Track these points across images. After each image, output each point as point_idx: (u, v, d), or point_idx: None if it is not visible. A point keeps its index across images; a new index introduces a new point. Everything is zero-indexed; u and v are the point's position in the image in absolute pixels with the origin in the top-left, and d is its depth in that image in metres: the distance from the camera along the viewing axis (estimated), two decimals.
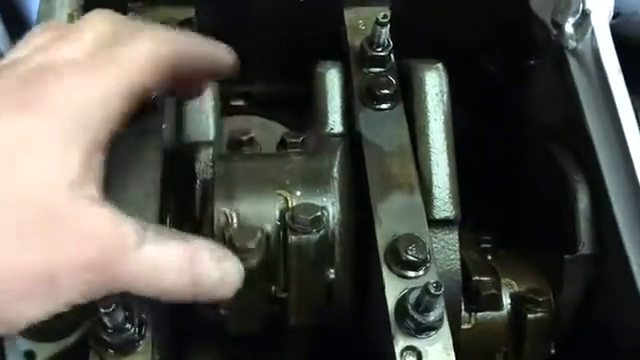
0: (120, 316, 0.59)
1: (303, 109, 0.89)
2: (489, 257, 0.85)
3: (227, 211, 0.68)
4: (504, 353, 0.81)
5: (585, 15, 0.78)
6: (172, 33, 0.64)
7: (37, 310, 0.52)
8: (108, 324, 0.59)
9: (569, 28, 0.79)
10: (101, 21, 0.60)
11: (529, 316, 0.78)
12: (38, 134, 0.52)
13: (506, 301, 0.81)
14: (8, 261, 0.49)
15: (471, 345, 0.78)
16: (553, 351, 0.81)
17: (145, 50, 0.58)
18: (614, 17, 0.81)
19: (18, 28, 1.46)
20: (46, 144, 0.51)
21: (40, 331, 0.67)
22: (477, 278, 0.79)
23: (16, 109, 0.52)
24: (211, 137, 0.81)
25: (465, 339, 0.77)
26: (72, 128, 0.53)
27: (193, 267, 0.57)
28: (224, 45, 0.70)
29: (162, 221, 0.69)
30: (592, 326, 0.80)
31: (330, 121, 0.81)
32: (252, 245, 0.65)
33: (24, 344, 0.67)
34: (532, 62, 0.93)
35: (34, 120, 0.52)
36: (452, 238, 0.75)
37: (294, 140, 0.78)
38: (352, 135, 0.79)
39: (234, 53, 0.72)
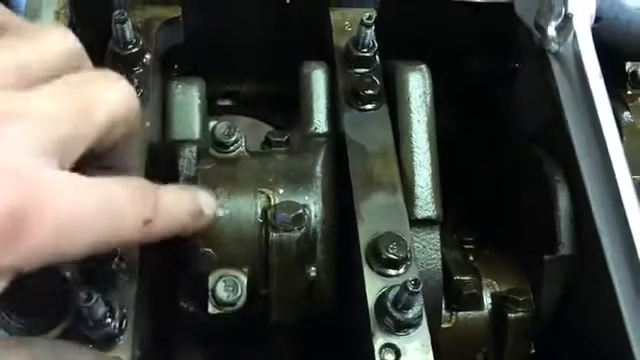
0: (100, 310, 0.59)
1: (290, 109, 0.90)
2: (471, 257, 0.86)
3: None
4: (484, 353, 0.82)
5: (567, 19, 0.78)
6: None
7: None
8: (88, 318, 0.59)
9: (552, 31, 0.79)
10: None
11: (509, 315, 0.79)
12: None
13: (487, 300, 0.82)
14: None
15: (452, 344, 0.79)
16: (533, 351, 0.81)
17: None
18: (596, 21, 0.82)
19: None
20: None
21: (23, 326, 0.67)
22: (458, 277, 0.79)
23: None
24: (197, 136, 0.81)
25: (446, 338, 0.78)
26: None
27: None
28: None
29: None
30: (570, 326, 0.80)
31: (315, 121, 0.82)
32: None
33: (6, 337, 0.67)
34: (516, 65, 0.94)
35: None
36: (433, 238, 0.76)
37: (278, 139, 0.79)
38: (336, 135, 0.80)
39: None
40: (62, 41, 0.54)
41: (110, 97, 0.54)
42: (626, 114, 0.88)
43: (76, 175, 0.51)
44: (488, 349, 0.82)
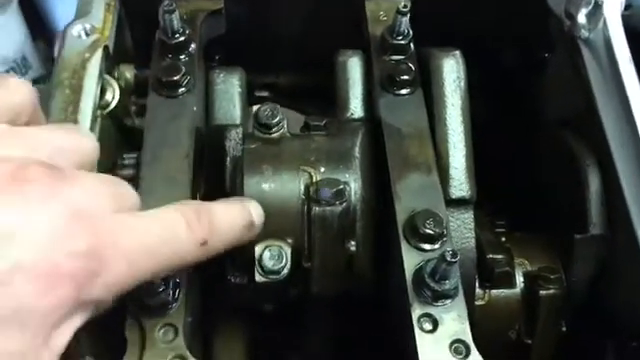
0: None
1: (326, 100, 0.93)
2: (503, 239, 0.88)
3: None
4: (517, 330, 0.84)
5: (597, 6, 0.81)
6: None
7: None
8: (144, 286, 0.63)
9: (582, 19, 0.82)
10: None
11: (541, 292, 0.81)
12: None
13: (519, 279, 0.84)
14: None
15: (485, 321, 0.81)
16: (564, 329, 0.83)
17: None
18: (626, 8, 0.84)
19: (39, 28, 1.52)
20: None
21: None
22: (491, 256, 0.82)
23: None
24: (238, 122, 0.85)
25: (479, 315, 0.80)
26: None
27: None
28: None
29: (194, 195, 0.73)
30: (601, 305, 0.82)
31: (352, 107, 0.86)
32: None
33: None
34: (547, 55, 0.97)
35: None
36: (467, 217, 0.79)
37: (317, 123, 0.82)
38: (373, 119, 0.83)
39: None
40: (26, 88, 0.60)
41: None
42: None
43: (137, 212, 0.59)
44: (520, 327, 0.84)
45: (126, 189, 0.60)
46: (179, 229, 0.59)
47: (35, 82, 1.33)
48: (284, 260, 0.70)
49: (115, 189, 0.58)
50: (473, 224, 0.79)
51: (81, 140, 0.61)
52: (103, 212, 0.54)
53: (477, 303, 0.82)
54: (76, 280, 0.50)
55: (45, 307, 0.49)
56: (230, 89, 0.88)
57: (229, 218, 0.65)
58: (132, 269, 0.55)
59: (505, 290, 0.83)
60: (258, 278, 0.70)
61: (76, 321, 0.53)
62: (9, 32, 1.44)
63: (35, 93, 0.61)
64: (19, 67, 1.49)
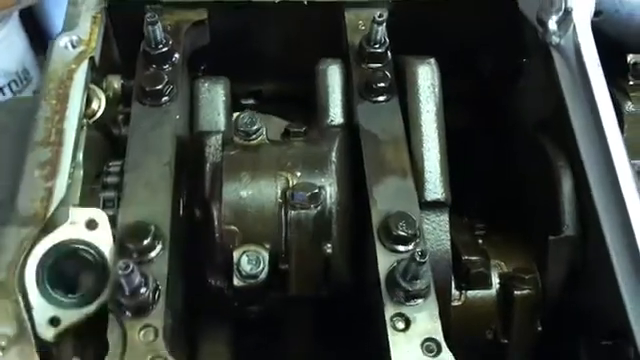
0: (136, 280, 0.65)
1: (309, 106, 0.95)
2: (480, 241, 0.90)
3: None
4: (493, 330, 0.86)
5: (567, 13, 0.83)
6: None
7: None
8: (125, 287, 0.65)
9: (552, 25, 0.84)
10: None
11: (516, 293, 0.83)
12: None
13: (495, 280, 0.86)
14: None
15: (462, 322, 0.83)
16: (540, 328, 0.85)
17: None
18: (596, 15, 0.87)
19: (40, 40, 1.55)
20: None
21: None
22: (466, 257, 0.84)
23: None
24: (222, 129, 0.87)
25: (456, 316, 0.83)
26: None
27: None
28: None
29: (175, 200, 0.76)
30: (575, 304, 0.84)
31: (331, 114, 0.88)
32: None
33: (50, 310, 0.73)
34: (523, 60, 0.99)
35: None
36: (442, 220, 0.81)
37: (297, 129, 0.85)
38: (351, 126, 0.85)
39: None
40: None
41: None
42: (628, 104, 0.91)
43: None
44: (497, 326, 0.86)
45: None
46: None
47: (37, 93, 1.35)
48: (262, 265, 0.72)
49: None
50: (448, 226, 0.81)
51: None
52: None
53: (454, 304, 0.84)
54: None
55: None
56: (215, 98, 0.90)
57: None
58: None
59: (481, 291, 0.85)
60: (236, 282, 0.72)
61: None
62: (10, 45, 1.47)
63: None
64: (20, 79, 1.51)
